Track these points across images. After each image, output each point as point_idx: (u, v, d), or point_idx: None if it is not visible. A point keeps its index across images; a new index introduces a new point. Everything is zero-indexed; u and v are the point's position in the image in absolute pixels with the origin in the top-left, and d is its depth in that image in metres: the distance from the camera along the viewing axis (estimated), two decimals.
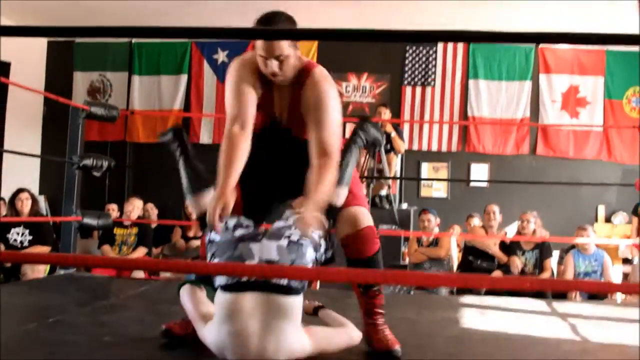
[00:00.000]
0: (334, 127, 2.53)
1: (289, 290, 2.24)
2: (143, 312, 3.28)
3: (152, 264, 1.61)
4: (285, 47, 2.42)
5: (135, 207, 6.78)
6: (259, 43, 2.42)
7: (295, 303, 2.27)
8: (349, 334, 2.50)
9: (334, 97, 2.58)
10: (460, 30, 1.63)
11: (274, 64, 2.43)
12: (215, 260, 2.32)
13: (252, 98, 2.54)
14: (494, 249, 6.51)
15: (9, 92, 9.11)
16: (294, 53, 2.48)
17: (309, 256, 2.32)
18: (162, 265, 1.72)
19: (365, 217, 2.58)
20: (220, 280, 2.26)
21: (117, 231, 6.59)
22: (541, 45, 9.10)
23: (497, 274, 6.33)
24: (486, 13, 7.93)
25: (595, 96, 9.09)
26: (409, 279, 1.46)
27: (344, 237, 2.54)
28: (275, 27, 2.36)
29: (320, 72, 2.58)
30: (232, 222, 2.39)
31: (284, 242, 2.30)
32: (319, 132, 2.49)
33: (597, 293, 5.92)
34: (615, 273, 6.80)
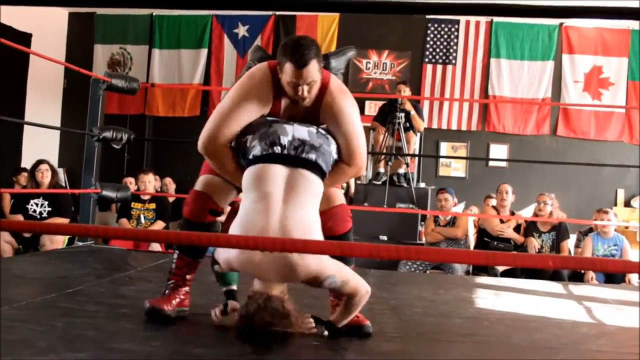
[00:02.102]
0: (359, 139, 2.60)
1: (316, 168, 2.42)
2: (160, 285, 3.30)
3: (169, 236, 1.63)
4: (315, 72, 2.43)
5: (147, 183, 6.78)
6: (289, 70, 2.41)
7: (319, 183, 2.44)
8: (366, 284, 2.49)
9: (354, 110, 2.61)
10: (483, 3, 1.60)
11: (304, 89, 2.44)
12: (249, 138, 2.47)
13: (250, 119, 2.54)
14: (508, 231, 6.44)
15: (30, 64, 9.15)
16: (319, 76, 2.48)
17: (333, 148, 2.52)
18: (180, 237, 1.73)
19: (338, 195, 2.67)
20: (254, 151, 2.42)
21: (135, 205, 6.61)
22: (565, 24, 8.97)
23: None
24: None
25: (618, 77, 8.97)
26: (431, 255, 1.45)
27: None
28: (306, 52, 2.38)
29: (336, 86, 2.59)
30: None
31: (313, 129, 2.52)
32: (347, 145, 2.57)
33: (615, 273, 5.91)
34: (634, 257, 6.75)
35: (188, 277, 2.70)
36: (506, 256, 1.38)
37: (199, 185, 2.71)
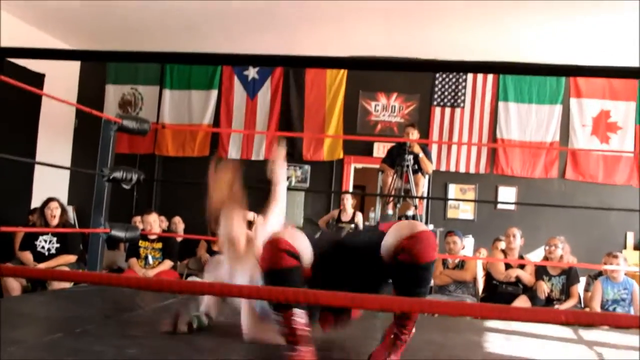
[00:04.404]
0: None
1: None
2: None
3: (173, 285, 1.61)
4: None
5: (152, 222, 6.78)
6: None
7: None
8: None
9: None
10: (491, 62, 1.62)
11: None
12: None
13: None
14: (515, 273, 6.39)
15: (42, 104, 9.26)
16: None
17: None
18: (182, 286, 1.73)
19: (422, 224, 2.41)
20: None
21: (142, 244, 6.62)
22: None
23: (522, 298, 6.26)
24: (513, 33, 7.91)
25: (626, 121, 9.01)
26: (444, 309, 1.45)
27: (401, 240, 2.30)
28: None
29: None
30: None
31: None
32: None
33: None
34: None
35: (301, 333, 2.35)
36: (519, 311, 1.38)
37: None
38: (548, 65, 1.47)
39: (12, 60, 7.93)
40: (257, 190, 10.15)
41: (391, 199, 7.18)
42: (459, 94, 9.40)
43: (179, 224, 8.41)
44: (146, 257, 6.59)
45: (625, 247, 8.71)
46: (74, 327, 3.06)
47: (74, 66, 10.31)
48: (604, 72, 1.50)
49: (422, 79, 9.52)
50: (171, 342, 2.67)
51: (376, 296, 1.43)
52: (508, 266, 6.48)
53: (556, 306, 6.20)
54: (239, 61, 2.32)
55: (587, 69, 1.47)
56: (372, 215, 7.98)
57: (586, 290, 6.77)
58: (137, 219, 7.88)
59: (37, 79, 8.68)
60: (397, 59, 1.62)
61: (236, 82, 9.97)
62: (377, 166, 7.76)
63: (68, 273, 1.73)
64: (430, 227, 7.67)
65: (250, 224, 3.32)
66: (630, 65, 1.48)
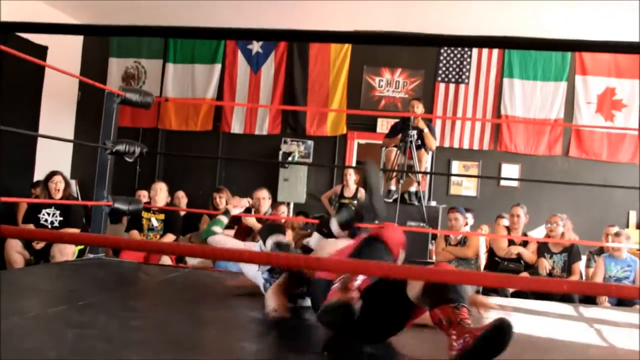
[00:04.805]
0: None
1: None
2: (171, 298, 3.31)
3: (180, 248, 1.61)
4: None
5: (159, 190, 6.75)
6: None
7: None
8: None
9: None
10: (496, 36, 1.61)
11: None
12: None
13: None
14: (516, 249, 6.40)
15: (45, 77, 9.24)
16: None
17: None
18: (190, 250, 1.73)
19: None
20: None
21: (144, 215, 6.62)
22: None
23: (524, 275, 6.27)
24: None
25: (631, 99, 8.96)
26: (444, 277, 1.45)
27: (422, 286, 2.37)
28: None
29: None
30: None
31: None
32: None
33: (628, 299, 5.86)
34: None
35: None
36: (520, 280, 1.38)
37: None
38: (553, 40, 1.45)
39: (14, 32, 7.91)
40: (259, 165, 10.12)
41: (394, 174, 7.17)
42: (464, 70, 9.35)
43: (182, 198, 8.40)
44: (149, 230, 6.59)
45: (627, 226, 8.71)
46: (78, 300, 3.08)
47: (77, 39, 10.25)
48: (608, 47, 1.49)
49: (426, 54, 9.47)
50: (175, 314, 2.69)
51: (380, 263, 1.44)
52: (511, 243, 6.49)
53: None
54: (243, 35, 2.29)
55: (591, 44, 1.46)
56: None
57: (587, 266, 6.78)
58: (141, 192, 7.88)
59: (40, 52, 8.65)
60: (401, 34, 1.61)
61: (240, 56, 9.92)
62: (381, 142, 7.74)
63: (73, 235, 1.73)
64: (433, 203, 7.67)
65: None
66: (635, 40, 1.46)
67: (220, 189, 7.12)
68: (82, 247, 6.07)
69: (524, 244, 6.48)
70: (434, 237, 7.09)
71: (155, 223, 6.57)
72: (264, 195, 6.37)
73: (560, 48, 1.48)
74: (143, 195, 7.71)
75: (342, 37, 2.03)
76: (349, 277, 2.29)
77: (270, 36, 2.35)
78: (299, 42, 9.30)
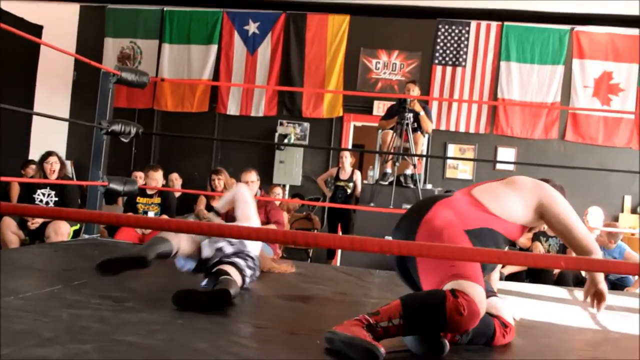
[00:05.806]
0: None
1: None
2: (165, 279, 3.31)
3: (179, 225, 1.61)
4: None
5: (158, 180, 6.75)
6: None
7: None
8: None
9: None
10: (495, 9, 1.59)
11: None
12: None
13: None
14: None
15: (40, 56, 9.18)
16: None
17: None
18: (187, 226, 1.73)
19: None
20: None
21: (140, 200, 6.62)
22: (576, 29, 8.94)
23: None
24: None
25: (628, 83, 8.95)
26: (441, 252, 1.45)
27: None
28: None
29: None
30: None
31: None
32: None
33: (619, 283, 5.90)
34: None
35: None
36: (519, 256, 1.38)
37: None
38: (553, 13, 1.44)
39: (9, 11, 7.86)
40: (255, 147, 10.10)
41: (390, 157, 7.16)
42: (461, 52, 9.31)
43: (176, 180, 8.38)
44: (145, 213, 6.58)
45: (622, 211, 8.74)
46: (73, 280, 3.08)
47: (73, 18, 10.19)
48: (609, 20, 1.47)
49: (423, 37, 9.43)
50: (168, 294, 2.68)
51: (375, 239, 1.43)
52: None
53: None
54: (240, 4, 2.27)
55: (591, 17, 1.45)
56: (370, 173, 7.98)
57: None
58: (138, 174, 7.86)
59: (35, 31, 8.58)
60: (399, 6, 1.59)
61: (236, 37, 9.87)
62: (377, 124, 7.72)
63: (70, 212, 1.72)
64: (429, 186, 7.66)
65: None
66: (634, 14, 1.45)
67: (219, 170, 7.09)
68: (77, 227, 6.05)
69: None
70: None
71: (150, 214, 6.56)
72: (252, 178, 6.34)
73: (562, 21, 1.47)
74: (139, 176, 7.69)
75: (336, 8, 2.01)
76: None
77: (268, 5, 2.32)
78: (296, 11, 9.24)
